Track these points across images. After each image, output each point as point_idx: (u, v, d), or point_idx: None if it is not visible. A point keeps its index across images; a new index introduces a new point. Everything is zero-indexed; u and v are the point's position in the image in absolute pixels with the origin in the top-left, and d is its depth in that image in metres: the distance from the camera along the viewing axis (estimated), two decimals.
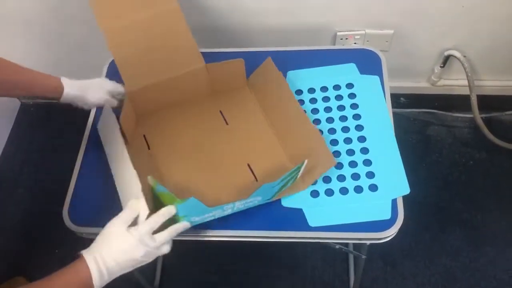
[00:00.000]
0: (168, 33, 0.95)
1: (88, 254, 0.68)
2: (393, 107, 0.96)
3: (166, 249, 0.73)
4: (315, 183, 0.87)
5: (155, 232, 0.71)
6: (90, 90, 0.89)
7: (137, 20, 0.94)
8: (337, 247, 0.95)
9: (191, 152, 0.93)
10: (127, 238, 0.69)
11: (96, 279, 0.66)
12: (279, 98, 0.94)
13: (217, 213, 0.78)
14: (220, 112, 0.98)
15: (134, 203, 0.73)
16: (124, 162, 0.80)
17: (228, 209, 0.79)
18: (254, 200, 0.80)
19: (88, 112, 1.00)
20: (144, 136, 0.96)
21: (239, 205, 0.79)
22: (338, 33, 1.32)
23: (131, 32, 0.93)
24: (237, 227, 0.84)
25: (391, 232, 0.82)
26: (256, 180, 0.88)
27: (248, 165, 0.90)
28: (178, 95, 0.98)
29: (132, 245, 0.69)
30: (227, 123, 0.96)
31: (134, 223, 0.72)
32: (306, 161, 0.79)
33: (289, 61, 1.04)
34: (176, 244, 0.74)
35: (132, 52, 0.93)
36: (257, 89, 0.99)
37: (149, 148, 0.94)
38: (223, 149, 0.93)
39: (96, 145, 0.96)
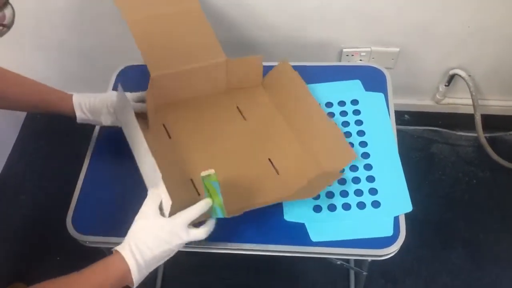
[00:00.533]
0: (191, 28, 0.97)
1: (124, 249, 0.67)
2: (397, 124, 0.97)
3: (200, 235, 0.72)
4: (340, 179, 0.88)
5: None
6: (102, 115, 0.89)
7: (160, 14, 0.98)
8: (338, 263, 0.95)
9: (212, 144, 0.93)
10: (162, 230, 0.68)
11: (135, 273, 0.66)
12: (295, 96, 0.95)
13: None
14: (237, 107, 0.99)
15: (156, 192, 0.72)
16: (143, 149, 0.79)
17: None
18: None
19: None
20: (163, 125, 0.96)
21: None
22: (344, 50, 1.33)
23: (155, 24, 0.97)
24: (239, 240, 0.84)
25: (392, 249, 0.82)
26: (278, 174, 0.89)
27: (269, 160, 0.90)
28: (197, 87, 0.98)
29: (167, 237, 0.68)
30: (245, 119, 0.97)
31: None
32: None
33: None
34: (177, 255, 0.74)
35: (155, 42, 0.95)
36: (273, 88, 1.00)
37: (169, 137, 0.94)
38: (243, 142, 0.93)
39: (102, 153, 0.97)
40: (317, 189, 0.84)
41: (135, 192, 0.88)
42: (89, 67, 1.50)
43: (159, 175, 0.71)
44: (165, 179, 0.72)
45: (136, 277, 0.66)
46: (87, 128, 1.01)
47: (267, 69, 1.00)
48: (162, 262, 0.70)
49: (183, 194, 0.85)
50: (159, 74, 0.92)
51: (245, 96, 1.00)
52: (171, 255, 0.71)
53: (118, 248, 0.68)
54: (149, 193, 0.73)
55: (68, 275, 0.65)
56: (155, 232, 0.68)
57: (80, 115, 0.88)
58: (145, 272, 0.68)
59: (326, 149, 0.89)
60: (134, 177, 0.87)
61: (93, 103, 0.89)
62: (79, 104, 0.88)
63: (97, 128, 1.01)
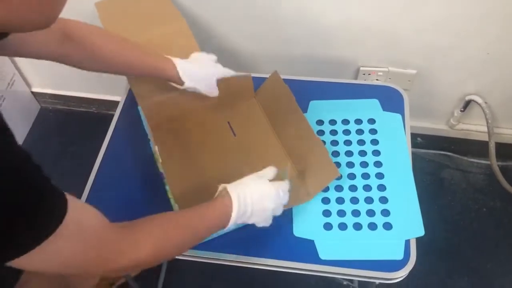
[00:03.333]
0: (179, 49, 0.96)
1: (232, 189, 0.73)
2: None
3: (281, 211, 0.79)
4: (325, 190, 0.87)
5: None
6: (202, 81, 0.92)
7: (148, 37, 0.99)
8: (345, 283, 0.94)
9: (199, 159, 0.94)
10: (266, 186, 0.76)
11: (235, 211, 0.71)
12: (286, 111, 0.95)
13: None
14: (228, 123, 0.99)
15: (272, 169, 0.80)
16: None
17: None
18: None
19: (105, 121, 1.01)
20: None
21: None
22: (361, 68, 1.33)
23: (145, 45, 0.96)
24: (247, 253, 0.83)
25: (401, 274, 0.81)
26: None
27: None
28: (187, 107, 0.99)
29: (270, 192, 0.75)
30: (234, 135, 0.97)
31: None
32: (288, 167, 0.86)
33: (312, 91, 1.05)
34: (180, 263, 0.73)
35: None
36: (264, 102, 1.01)
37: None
38: (232, 160, 0.93)
39: (114, 153, 0.97)
40: (293, 203, 0.84)
41: (147, 192, 0.88)
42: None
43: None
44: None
45: (234, 216, 0.72)
46: (100, 126, 1.01)
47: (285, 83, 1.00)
48: (257, 220, 0.76)
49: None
50: (148, 104, 0.94)
51: (236, 112, 1.00)
52: (267, 220, 0.78)
53: (228, 186, 0.75)
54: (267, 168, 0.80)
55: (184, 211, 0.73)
56: (260, 189, 0.75)
57: (188, 83, 0.90)
58: (242, 215, 0.73)
59: (311, 166, 0.89)
60: (145, 178, 0.87)
61: (197, 74, 0.91)
62: (183, 72, 0.89)
63: (111, 128, 1.01)
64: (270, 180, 0.78)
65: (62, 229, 0.49)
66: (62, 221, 0.50)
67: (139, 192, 0.91)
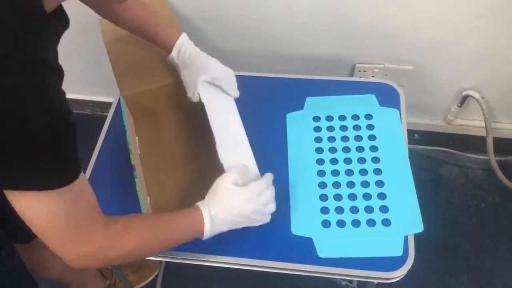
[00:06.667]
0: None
1: (203, 205, 0.73)
2: None
3: (272, 207, 0.78)
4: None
5: None
6: (188, 73, 0.91)
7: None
8: (343, 283, 0.93)
9: (175, 158, 0.95)
10: (238, 194, 0.75)
11: (207, 227, 0.71)
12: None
13: None
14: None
15: (241, 167, 0.80)
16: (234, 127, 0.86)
17: None
18: None
19: (100, 123, 1.00)
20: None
21: None
22: (357, 65, 1.32)
23: (129, 42, 0.99)
24: (244, 254, 0.82)
25: (400, 273, 0.79)
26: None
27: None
28: (167, 102, 1.00)
29: (243, 199, 0.74)
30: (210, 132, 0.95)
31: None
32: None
33: (308, 89, 1.04)
34: (176, 265, 0.72)
35: (127, 60, 0.98)
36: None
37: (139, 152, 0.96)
38: (207, 158, 0.92)
39: (108, 154, 0.96)
40: None
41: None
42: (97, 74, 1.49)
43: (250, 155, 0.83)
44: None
45: (207, 232, 0.72)
46: (94, 129, 1.00)
47: (281, 81, 0.99)
48: (238, 226, 0.76)
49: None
50: (129, 94, 0.96)
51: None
52: (253, 222, 0.78)
53: (199, 204, 0.74)
54: (235, 167, 0.79)
55: (159, 214, 0.73)
56: (231, 197, 0.75)
57: (172, 58, 0.91)
58: (216, 230, 0.74)
59: None
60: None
61: (189, 61, 0.90)
62: (178, 50, 0.90)
63: (104, 129, 1.00)
64: (243, 181, 0.78)
65: (73, 185, 0.55)
66: (76, 179, 0.55)
67: (132, 197, 0.88)
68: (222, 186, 0.76)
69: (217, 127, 0.86)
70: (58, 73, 0.54)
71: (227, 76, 0.92)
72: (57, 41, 0.62)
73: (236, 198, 0.75)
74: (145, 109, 1.00)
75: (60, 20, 0.63)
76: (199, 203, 0.75)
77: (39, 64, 0.49)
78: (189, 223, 0.72)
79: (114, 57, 0.99)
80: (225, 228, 0.75)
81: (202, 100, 0.89)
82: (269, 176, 0.80)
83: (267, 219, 0.79)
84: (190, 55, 0.90)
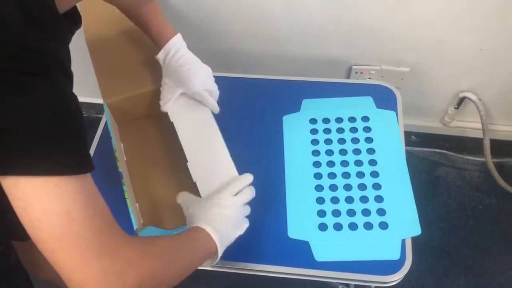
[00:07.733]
0: (145, 49, 0.95)
1: (207, 225, 0.68)
2: None
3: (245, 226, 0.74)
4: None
5: None
6: (168, 81, 0.87)
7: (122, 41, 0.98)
8: (340, 287, 0.92)
9: (166, 164, 0.94)
10: (234, 209, 0.72)
11: (220, 247, 0.67)
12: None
13: None
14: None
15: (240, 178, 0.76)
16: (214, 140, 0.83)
17: None
18: None
19: (94, 125, 0.99)
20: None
21: None
22: (354, 67, 1.31)
23: (113, 47, 0.97)
24: (240, 258, 0.81)
25: (398, 277, 0.79)
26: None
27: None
28: (151, 108, 0.97)
29: (238, 214, 0.72)
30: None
31: None
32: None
33: (304, 91, 1.04)
34: None
35: (111, 68, 0.97)
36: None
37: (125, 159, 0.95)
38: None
39: (102, 156, 0.95)
40: None
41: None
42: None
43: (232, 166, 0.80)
44: None
45: (220, 252, 0.68)
46: (89, 130, 0.99)
47: (277, 83, 0.98)
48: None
49: None
50: (113, 101, 0.94)
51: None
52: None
53: (202, 225, 0.68)
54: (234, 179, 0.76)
55: (168, 236, 0.65)
56: (229, 212, 0.71)
57: (160, 57, 0.86)
58: (223, 249, 0.70)
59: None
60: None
61: (173, 68, 0.85)
62: (167, 52, 0.85)
63: (98, 132, 0.99)
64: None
65: (86, 178, 0.49)
66: (90, 171, 0.50)
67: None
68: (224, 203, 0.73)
69: (188, 146, 0.84)
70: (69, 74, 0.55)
71: (206, 95, 0.86)
72: (69, 40, 0.61)
73: (233, 212, 0.72)
74: (129, 115, 0.98)
75: (72, 20, 0.62)
76: (201, 224, 0.69)
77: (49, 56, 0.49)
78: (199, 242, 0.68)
79: (97, 65, 0.96)
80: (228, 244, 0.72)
81: (171, 119, 0.87)
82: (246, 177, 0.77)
83: (244, 227, 0.75)
84: (178, 61, 0.85)
